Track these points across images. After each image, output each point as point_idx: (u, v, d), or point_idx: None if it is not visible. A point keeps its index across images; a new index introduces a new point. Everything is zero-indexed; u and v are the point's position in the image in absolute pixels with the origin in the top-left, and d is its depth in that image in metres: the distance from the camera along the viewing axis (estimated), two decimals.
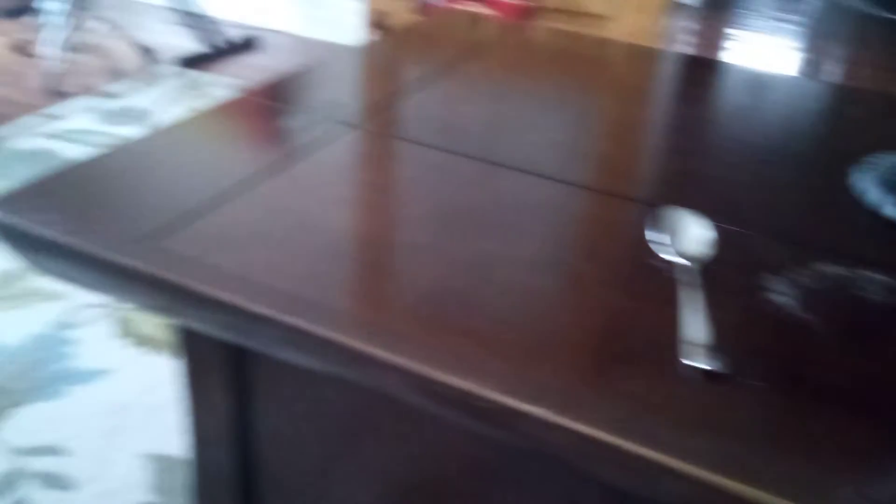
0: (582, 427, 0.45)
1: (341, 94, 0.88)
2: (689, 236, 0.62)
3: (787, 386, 0.50)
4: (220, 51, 3.01)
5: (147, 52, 2.84)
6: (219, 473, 0.74)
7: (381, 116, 0.83)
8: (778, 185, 0.77)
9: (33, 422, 1.23)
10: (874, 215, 0.71)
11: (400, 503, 0.69)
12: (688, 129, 0.91)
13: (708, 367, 0.49)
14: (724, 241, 0.63)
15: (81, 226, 0.58)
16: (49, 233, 0.57)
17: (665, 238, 0.62)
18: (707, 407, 0.47)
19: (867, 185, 0.74)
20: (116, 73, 2.74)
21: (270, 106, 0.84)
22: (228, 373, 0.68)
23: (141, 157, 0.70)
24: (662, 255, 0.61)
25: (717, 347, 0.51)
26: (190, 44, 2.96)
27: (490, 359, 0.49)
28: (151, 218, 0.60)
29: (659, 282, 0.58)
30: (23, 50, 2.81)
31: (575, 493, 0.59)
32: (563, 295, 0.57)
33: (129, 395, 1.30)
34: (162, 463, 1.17)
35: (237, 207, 0.63)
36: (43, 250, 0.59)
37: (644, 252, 0.62)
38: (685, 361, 0.50)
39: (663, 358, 0.51)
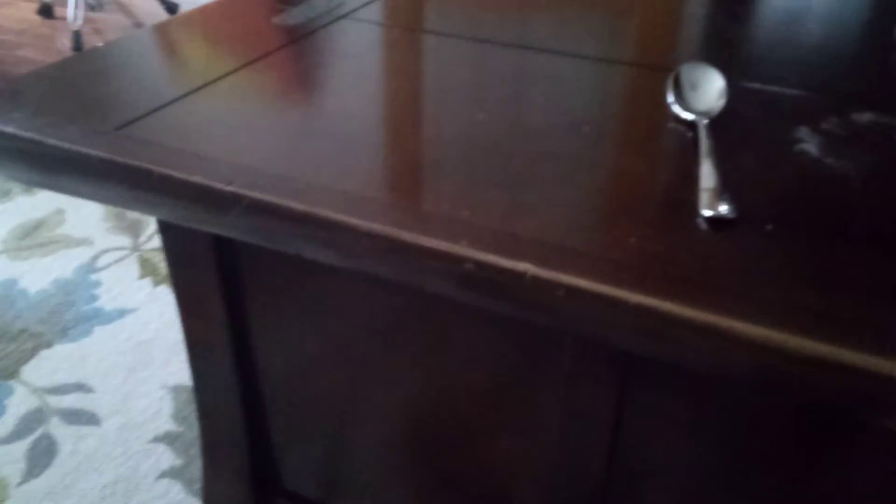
0: (581, 282, 0.39)
1: None
2: (702, 92, 0.56)
3: (815, 229, 0.43)
4: None
5: (169, 7, 2.81)
6: (218, 382, 0.70)
7: (381, 8, 0.78)
8: (812, 44, 0.69)
9: (58, 362, 1.23)
10: None
11: (402, 409, 0.65)
12: (720, 2, 0.83)
13: (721, 215, 0.43)
14: (745, 96, 0.58)
15: (45, 121, 0.54)
16: (8, 129, 0.53)
17: (679, 96, 0.56)
18: (724, 253, 0.41)
19: None
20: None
21: (269, 4, 0.78)
22: (217, 273, 0.64)
23: (122, 55, 0.66)
24: (676, 114, 0.55)
25: (733, 195, 0.44)
26: None
27: (474, 219, 0.44)
28: (124, 111, 0.56)
29: (673, 139, 0.53)
30: (48, 12, 2.80)
31: (587, 370, 0.54)
32: (573, 156, 0.51)
33: (151, 333, 1.28)
34: (182, 394, 1.16)
35: (219, 95, 0.59)
36: (3, 151, 0.54)
37: (661, 113, 0.56)
38: (700, 212, 0.44)
39: (672, 211, 0.45)
